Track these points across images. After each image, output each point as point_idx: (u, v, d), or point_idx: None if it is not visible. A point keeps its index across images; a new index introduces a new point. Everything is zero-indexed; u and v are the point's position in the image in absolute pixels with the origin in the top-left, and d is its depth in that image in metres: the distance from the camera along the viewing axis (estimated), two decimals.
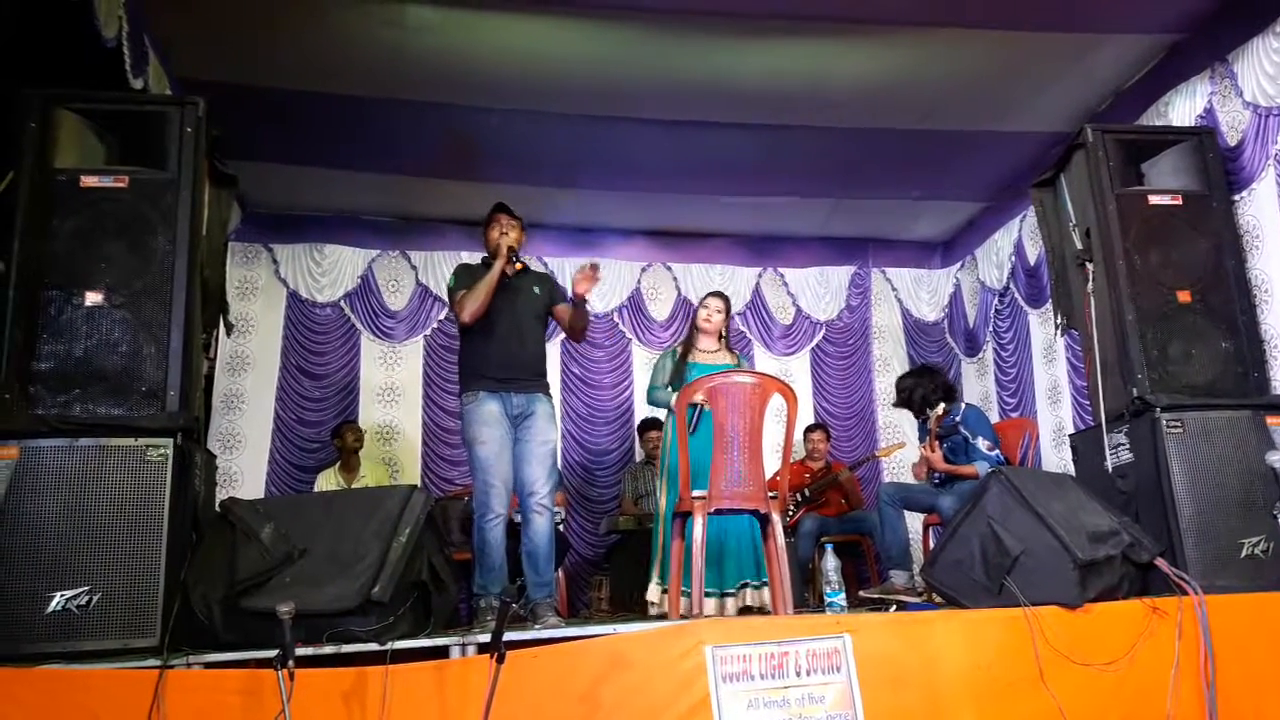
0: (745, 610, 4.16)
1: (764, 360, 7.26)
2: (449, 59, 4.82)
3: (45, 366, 3.21)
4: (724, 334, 4.61)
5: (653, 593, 4.24)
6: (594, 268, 3.97)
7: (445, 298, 6.77)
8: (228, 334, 4.12)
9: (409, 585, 3.09)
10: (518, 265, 4.09)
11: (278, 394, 6.56)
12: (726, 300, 4.66)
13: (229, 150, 3.98)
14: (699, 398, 3.82)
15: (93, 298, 3.29)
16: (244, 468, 6.38)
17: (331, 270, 6.80)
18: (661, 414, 4.85)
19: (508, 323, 4.01)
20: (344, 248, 6.84)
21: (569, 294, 4.13)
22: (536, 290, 4.17)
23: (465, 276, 4.09)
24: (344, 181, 6.22)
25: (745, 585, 4.24)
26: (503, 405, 3.91)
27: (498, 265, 3.98)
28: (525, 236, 4.25)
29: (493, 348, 3.98)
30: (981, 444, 4.71)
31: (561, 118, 5.38)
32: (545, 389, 4.06)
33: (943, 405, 4.91)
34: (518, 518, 3.97)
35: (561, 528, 5.99)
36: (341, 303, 6.80)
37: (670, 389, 4.40)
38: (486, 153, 5.80)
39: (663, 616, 4.01)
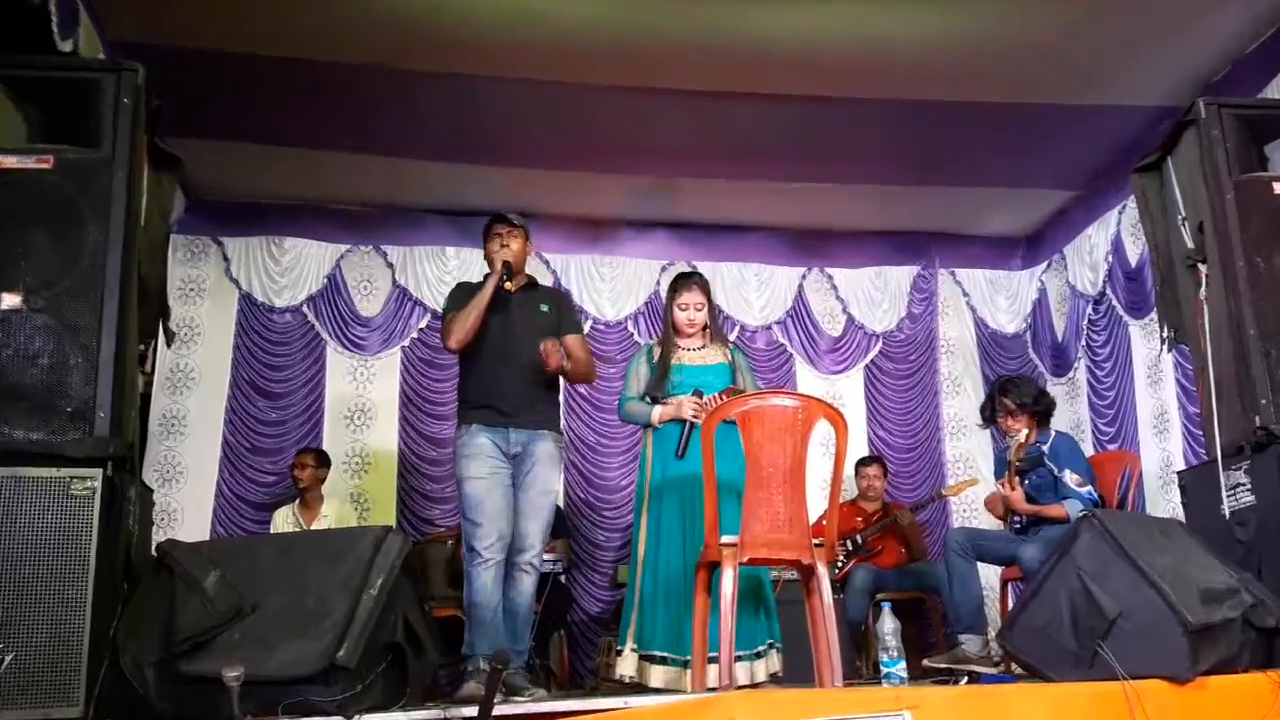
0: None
1: (808, 379, 7.26)
2: (433, 18, 4.85)
3: None
4: (708, 325, 4.47)
5: (626, 663, 4.10)
6: (556, 348, 4.01)
7: (426, 299, 6.85)
8: (168, 344, 4.15)
9: (381, 647, 3.10)
10: (508, 285, 4.13)
11: (227, 416, 6.60)
12: (706, 287, 4.46)
13: (172, 126, 4.01)
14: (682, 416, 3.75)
15: (9, 300, 3.31)
16: (186, 504, 6.42)
17: (292, 268, 6.85)
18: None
19: (505, 346, 4.08)
20: (307, 241, 6.89)
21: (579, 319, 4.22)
22: (544, 309, 4.24)
23: (459, 297, 4.18)
24: (308, 163, 6.28)
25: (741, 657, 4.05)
26: (500, 442, 4.00)
27: (490, 282, 4.06)
28: (530, 245, 4.32)
29: (488, 375, 4.06)
30: (1070, 479, 4.69)
31: (568, 88, 5.41)
32: (552, 424, 4.13)
33: (1025, 433, 4.89)
34: None
35: (563, 579, 5.98)
36: (304, 307, 6.84)
37: (648, 399, 4.33)
38: (477, 129, 5.83)
39: (636, 687, 3.99)
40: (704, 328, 4.44)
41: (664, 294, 7.00)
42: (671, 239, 7.30)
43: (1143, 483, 5.78)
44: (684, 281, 4.48)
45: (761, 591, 4.21)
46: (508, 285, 4.14)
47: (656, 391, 4.31)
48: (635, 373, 4.44)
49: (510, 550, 3.95)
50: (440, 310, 4.59)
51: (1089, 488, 4.70)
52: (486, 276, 4.19)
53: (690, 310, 4.39)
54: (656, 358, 4.41)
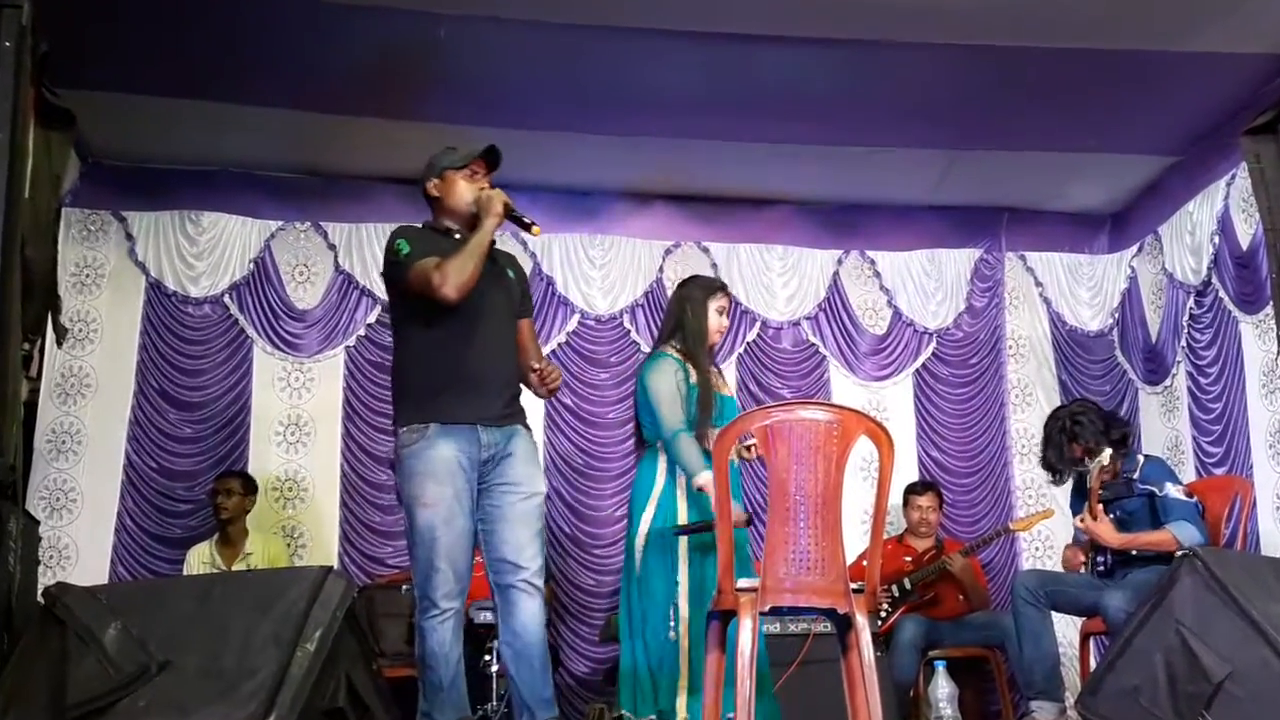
0: None
1: (845, 387, 7.28)
2: None
3: None
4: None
5: None
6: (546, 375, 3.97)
7: (375, 288, 6.76)
8: (59, 343, 4.17)
9: (318, 715, 3.10)
10: (536, 229, 4.07)
11: (131, 431, 6.59)
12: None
13: (64, 75, 4.02)
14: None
15: None
16: (80, 538, 6.41)
17: (212, 250, 6.84)
18: None
19: (485, 317, 3.94)
20: (230, 217, 6.89)
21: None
22: (511, 275, 4.16)
23: (421, 242, 3.93)
24: (230, 120, 6.26)
25: None
26: (468, 448, 3.83)
27: (490, 222, 3.86)
28: None
29: (462, 355, 3.88)
30: (1175, 490, 4.67)
31: (549, 29, 5.41)
32: (524, 417, 4.05)
33: (1109, 453, 4.89)
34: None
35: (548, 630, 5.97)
36: (226, 297, 6.84)
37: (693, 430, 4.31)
38: (437, 80, 5.83)
39: None
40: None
41: (668, 281, 7.09)
42: (677, 214, 7.30)
43: (1256, 514, 5.78)
44: (715, 284, 4.62)
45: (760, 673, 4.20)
46: (536, 229, 4.08)
47: (703, 427, 4.31)
48: (679, 390, 4.40)
49: (500, 571, 3.83)
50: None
51: (1196, 499, 4.70)
52: (428, 225, 4.07)
53: (725, 317, 4.50)
54: (694, 377, 4.40)
